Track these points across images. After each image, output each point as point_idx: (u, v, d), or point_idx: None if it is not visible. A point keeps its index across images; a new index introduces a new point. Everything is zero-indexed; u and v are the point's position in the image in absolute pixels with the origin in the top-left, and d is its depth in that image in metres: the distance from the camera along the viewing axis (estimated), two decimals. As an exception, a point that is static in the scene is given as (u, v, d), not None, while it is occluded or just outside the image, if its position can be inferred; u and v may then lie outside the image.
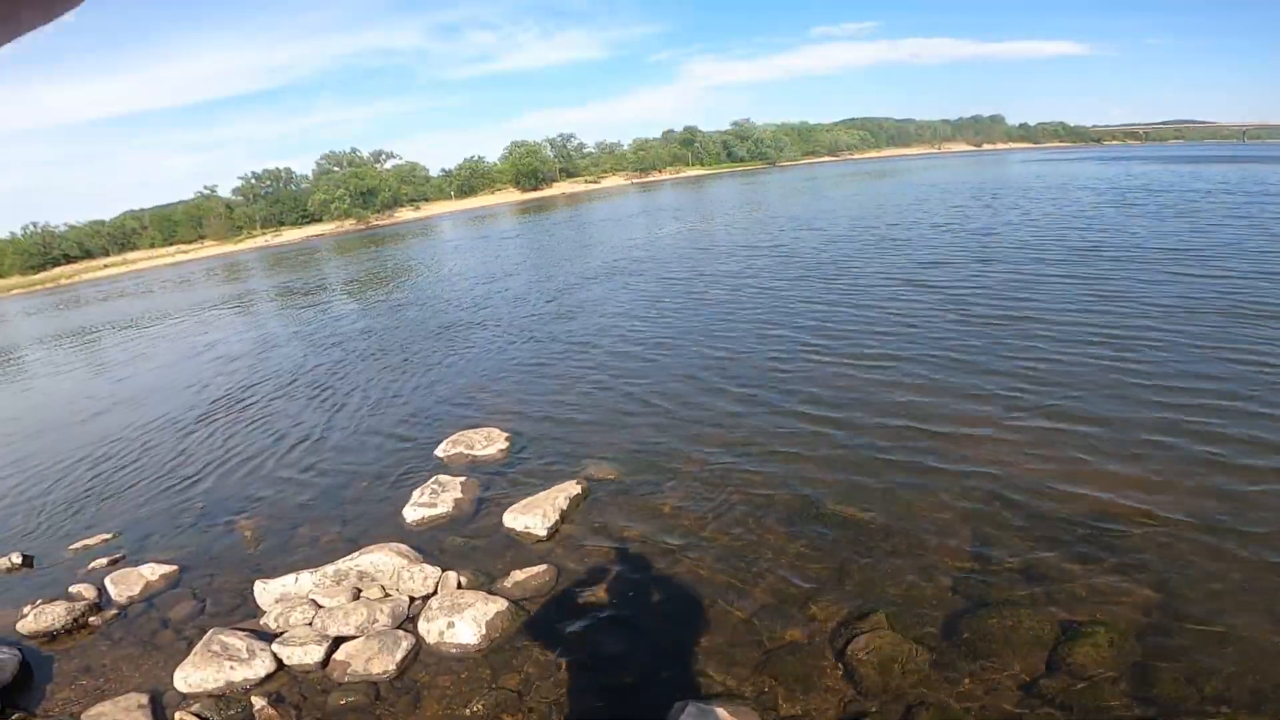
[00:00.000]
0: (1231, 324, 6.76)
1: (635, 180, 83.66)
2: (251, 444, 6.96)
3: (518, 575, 3.83)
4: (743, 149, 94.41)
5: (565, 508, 4.45)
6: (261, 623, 3.71)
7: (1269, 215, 13.93)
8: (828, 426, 5.40)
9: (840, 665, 3.00)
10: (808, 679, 2.95)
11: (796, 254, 14.76)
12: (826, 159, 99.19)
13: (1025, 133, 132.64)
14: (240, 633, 3.52)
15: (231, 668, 3.29)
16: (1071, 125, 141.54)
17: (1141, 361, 5.99)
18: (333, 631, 3.48)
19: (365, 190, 68.09)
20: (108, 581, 4.33)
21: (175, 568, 4.47)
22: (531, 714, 2.95)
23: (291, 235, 65.73)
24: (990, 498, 4.14)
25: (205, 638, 3.47)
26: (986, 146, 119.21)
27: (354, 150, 75.39)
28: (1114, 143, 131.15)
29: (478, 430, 5.99)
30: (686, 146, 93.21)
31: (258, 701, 3.19)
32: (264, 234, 67.20)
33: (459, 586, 3.74)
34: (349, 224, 66.64)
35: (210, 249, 64.04)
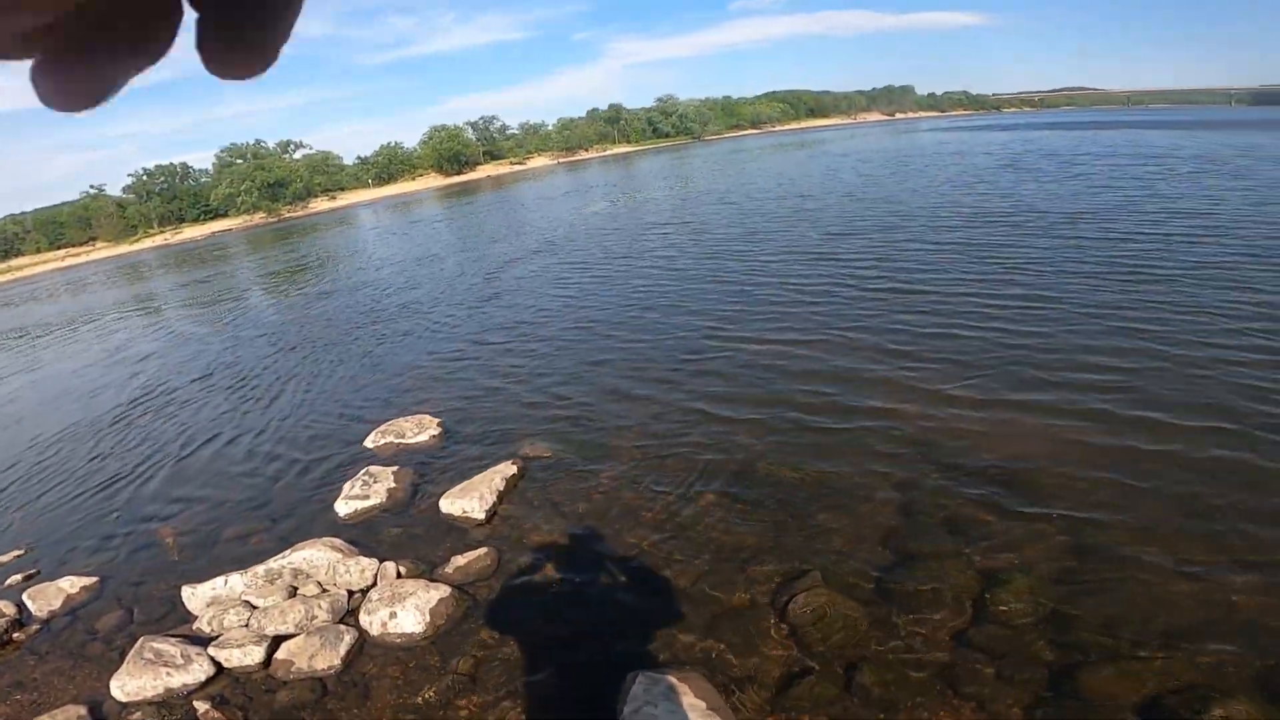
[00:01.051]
0: (1129, 282, 7.28)
1: (562, 160, 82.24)
2: (169, 447, 6.61)
3: (459, 560, 3.82)
4: (667, 124, 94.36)
5: (502, 489, 4.45)
6: (195, 628, 3.58)
7: (1154, 176, 15.11)
8: (755, 396, 5.58)
9: (783, 625, 3.13)
10: (752, 642, 3.06)
11: (719, 228, 14.98)
12: (750, 131, 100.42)
13: (933, 102, 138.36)
14: (173, 639, 3.41)
15: (168, 674, 3.18)
16: (974, 94, 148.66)
17: (1046, 321, 6.41)
18: (271, 631, 3.42)
19: (274, 182, 64.01)
20: (25, 597, 4.12)
21: (96, 579, 4.25)
22: (486, 697, 2.96)
23: (194, 232, 61.21)
24: (911, 454, 4.37)
25: (137, 646, 3.34)
26: (899, 115, 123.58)
27: (259, 142, 70.73)
28: (1012, 110, 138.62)
29: (408, 418, 5.87)
30: (612, 124, 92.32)
31: (201, 705, 3.12)
32: (162, 232, 62.31)
33: (399, 576, 3.73)
34: (258, 218, 62.63)
35: (103, 251, 58.79)
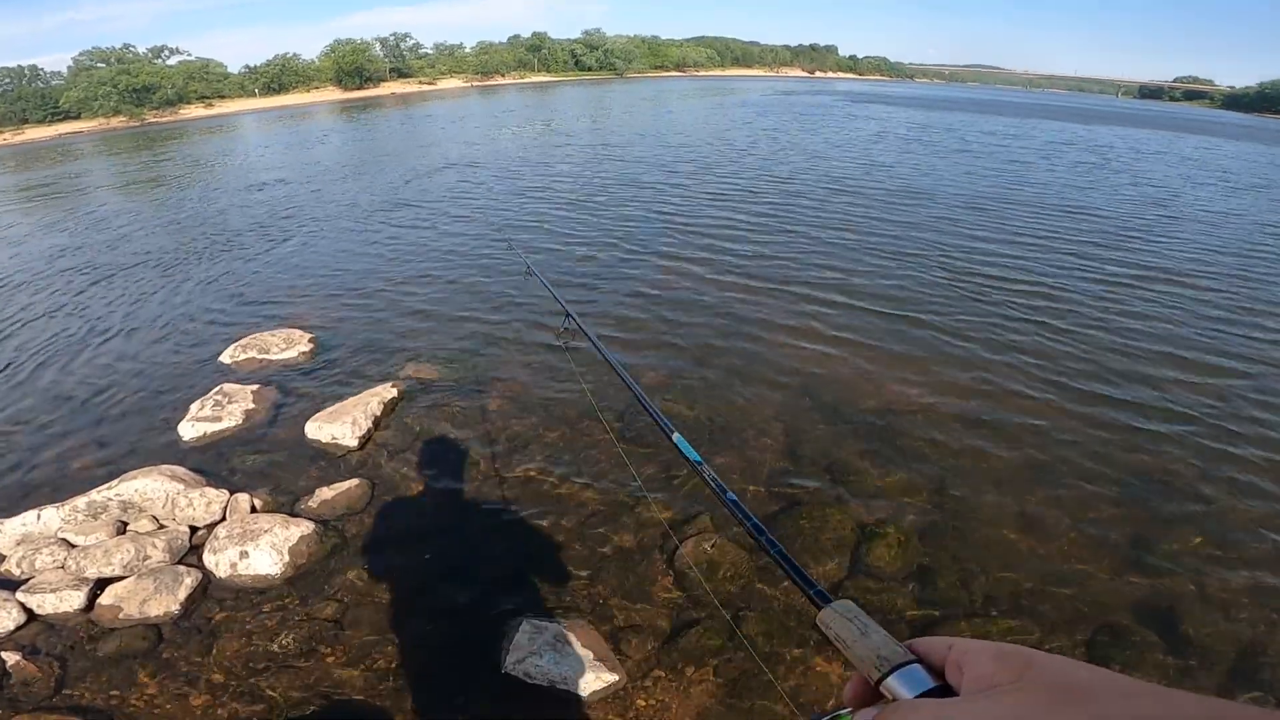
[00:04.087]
0: (1003, 247, 7.77)
1: (476, 84, 77.48)
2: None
3: (325, 493, 3.46)
4: (591, 58, 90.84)
5: (378, 414, 4.07)
6: (1, 569, 3.07)
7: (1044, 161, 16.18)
8: (650, 327, 5.45)
9: (670, 571, 3.07)
10: (641, 588, 2.98)
11: (633, 160, 14.59)
12: (674, 74, 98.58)
13: (853, 65, 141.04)
14: None
15: None
16: (892, 62, 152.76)
17: (928, 274, 6.71)
18: (93, 573, 2.94)
19: (140, 87, 56.21)
20: None
21: None
22: (353, 644, 2.72)
23: (37, 133, 52.82)
24: (799, 398, 4.41)
25: None
26: (818, 74, 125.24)
27: (126, 46, 61.39)
28: (924, 80, 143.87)
29: (275, 332, 5.26)
30: (534, 52, 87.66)
31: (10, 656, 2.66)
32: (1, 132, 53.55)
33: (252, 510, 3.31)
34: (116, 121, 54.92)
35: (-79, 149, 49.66)
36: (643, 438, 3.96)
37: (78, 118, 55.73)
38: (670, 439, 1.10)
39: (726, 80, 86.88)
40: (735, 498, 0.81)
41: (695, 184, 11.49)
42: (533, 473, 3.72)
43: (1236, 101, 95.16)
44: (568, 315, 2.09)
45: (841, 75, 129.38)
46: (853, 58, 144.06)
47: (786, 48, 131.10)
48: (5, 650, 2.68)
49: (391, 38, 78.29)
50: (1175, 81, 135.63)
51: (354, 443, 3.86)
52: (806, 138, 19.10)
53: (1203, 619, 2.89)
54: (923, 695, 0.44)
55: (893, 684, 0.45)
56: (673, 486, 3.61)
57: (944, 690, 0.44)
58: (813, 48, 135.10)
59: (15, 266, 8.73)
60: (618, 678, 2.53)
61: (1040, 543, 3.25)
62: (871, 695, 0.47)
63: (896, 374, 4.70)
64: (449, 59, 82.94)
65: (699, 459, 0.97)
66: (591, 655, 2.57)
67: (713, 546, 3.15)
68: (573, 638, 2.63)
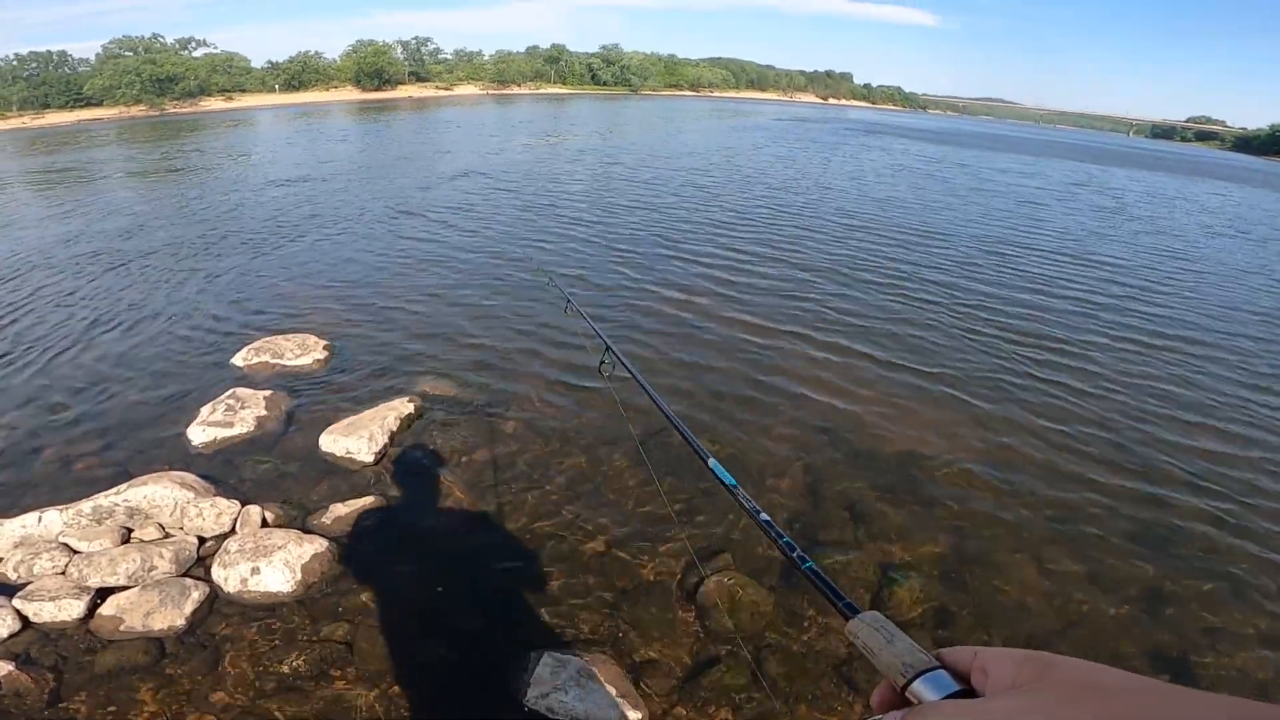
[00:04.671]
0: (1050, 294, 7.72)
1: (492, 92, 78.18)
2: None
3: (339, 509, 3.35)
4: (608, 73, 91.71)
5: (395, 430, 3.97)
6: (-3, 572, 2.95)
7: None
8: (673, 358, 5.34)
9: (692, 606, 2.98)
10: (662, 624, 2.90)
11: (649, 178, 14.64)
12: (688, 93, 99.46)
13: (867, 93, 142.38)
14: None
15: None
16: (906, 91, 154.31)
17: (946, 321, 6.62)
18: (95, 582, 2.83)
19: (163, 77, 56.70)
20: None
21: None
22: (364, 668, 2.61)
23: (58, 118, 53.14)
24: (820, 438, 4.35)
25: None
26: (832, 100, 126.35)
27: (155, 36, 62.13)
28: (936, 112, 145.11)
29: (289, 337, 5.15)
30: (551, 64, 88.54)
31: (2, 666, 2.55)
32: (21, 116, 53.80)
33: (264, 524, 3.20)
34: (136, 109, 55.33)
35: (-56, 131, 49.88)
36: (665, 468, 3.87)
37: (100, 105, 56.11)
38: (706, 464, 1.11)
39: (740, 102, 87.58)
40: (769, 518, 0.84)
41: (706, 211, 11.38)
42: (552, 498, 3.62)
43: (1248, 143, 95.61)
44: (608, 349, 2.03)
45: (855, 103, 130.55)
46: (867, 86, 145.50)
47: (801, 73, 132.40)
48: None
49: (413, 41, 79.15)
50: (1187, 121, 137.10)
51: (370, 458, 3.76)
52: (819, 168, 19.14)
53: (1215, 665, 2.91)
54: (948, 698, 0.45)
55: (918, 688, 0.46)
56: (696, 521, 3.52)
57: (968, 694, 0.45)
58: (828, 74, 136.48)
59: (29, 250, 8.67)
60: (641, 716, 2.44)
61: (1056, 590, 3.25)
62: (898, 701, 0.48)
63: (914, 422, 4.63)
64: (467, 65, 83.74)
65: (734, 482, 0.99)
66: (615, 692, 2.48)
67: (736, 584, 3.08)
68: (596, 673, 2.54)
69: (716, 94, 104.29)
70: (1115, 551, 3.53)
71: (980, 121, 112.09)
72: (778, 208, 12.00)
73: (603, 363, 2.15)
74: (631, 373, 1.82)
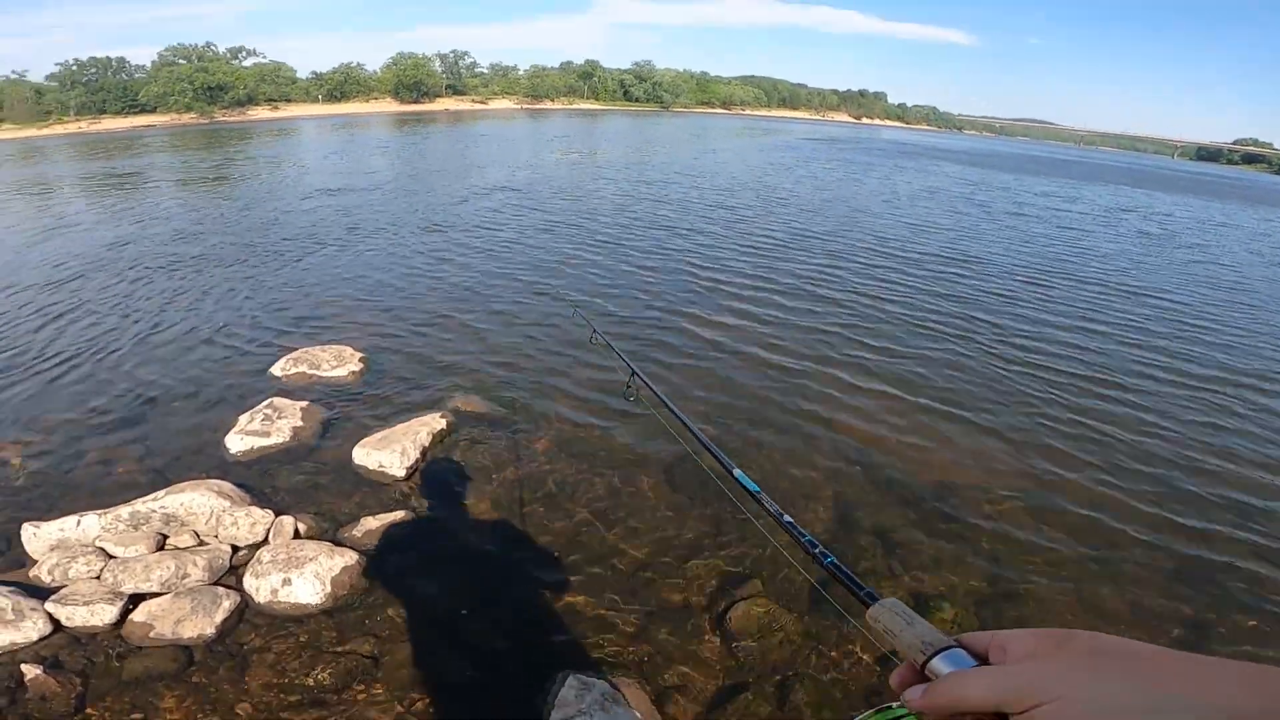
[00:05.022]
0: (1080, 334, 7.50)
1: (526, 106, 79.60)
2: (34, 351, 5.62)
3: (370, 522, 3.36)
4: (640, 90, 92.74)
5: (427, 444, 3.98)
6: (32, 575, 2.97)
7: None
8: (705, 380, 5.28)
9: (719, 632, 2.93)
10: (688, 648, 2.85)
11: (681, 197, 14.68)
12: (719, 110, 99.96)
13: (900, 113, 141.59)
14: (3, 588, 2.80)
15: None
16: (941, 112, 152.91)
17: (983, 351, 6.44)
18: (129, 588, 2.86)
19: (214, 86, 59.00)
20: None
21: (-91, 504, 3.50)
22: (389, 683, 2.60)
23: (114, 124, 55.56)
24: (853, 464, 4.27)
25: None
26: (865, 120, 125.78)
27: (208, 44, 64.90)
28: (972, 132, 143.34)
29: (326, 348, 5.22)
30: (584, 80, 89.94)
31: (30, 670, 2.57)
32: (79, 121, 56.36)
33: (296, 535, 3.22)
34: (187, 117, 57.60)
35: (6, 133, 52.40)
36: (696, 492, 3.82)
37: (153, 111, 58.49)
38: (731, 473, 1.13)
39: (772, 121, 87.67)
40: (791, 520, 0.87)
41: (734, 234, 11.27)
42: (580, 519, 3.58)
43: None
44: (633, 373, 2.04)
45: (888, 123, 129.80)
46: (901, 106, 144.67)
47: (834, 92, 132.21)
48: (26, 662, 2.60)
49: (451, 54, 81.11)
50: (1234, 144, 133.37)
51: (401, 473, 3.77)
52: (851, 190, 18.94)
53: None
54: None
55: (937, 664, 0.48)
56: (726, 546, 3.46)
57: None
58: (861, 93, 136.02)
59: (84, 254, 9.01)
60: (666, 744, 2.37)
61: (1097, 624, 3.13)
62: (919, 679, 0.49)
63: (949, 453, 4.51)
64: (502, 80, 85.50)
65: (757, 488, 1.02)
66: (640, 716, 2.45)
67: (765, 610, 3.02)
68: (621, 697, 2.51)
69: (748, 112, 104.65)
70: (1158, 585, 3.43)
71: (1018, 143, 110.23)
72: (808, 232, 11.84)
73: (628, 386, 2.14)
74: (656, 394, 1.81)
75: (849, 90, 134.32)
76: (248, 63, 67.60)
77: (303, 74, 73.49)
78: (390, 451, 3.82)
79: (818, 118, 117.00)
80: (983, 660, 0.47)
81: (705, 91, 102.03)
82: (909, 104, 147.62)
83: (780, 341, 6.24)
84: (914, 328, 6.84)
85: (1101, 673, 0.40)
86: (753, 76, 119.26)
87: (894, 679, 0.51)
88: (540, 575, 3.22)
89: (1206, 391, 5.87)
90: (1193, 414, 5.38)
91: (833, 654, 2.87)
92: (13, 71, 60.50)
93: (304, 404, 4.38)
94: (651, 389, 1.88)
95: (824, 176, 21.71)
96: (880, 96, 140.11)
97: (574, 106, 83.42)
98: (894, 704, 0.51)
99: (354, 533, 3.31)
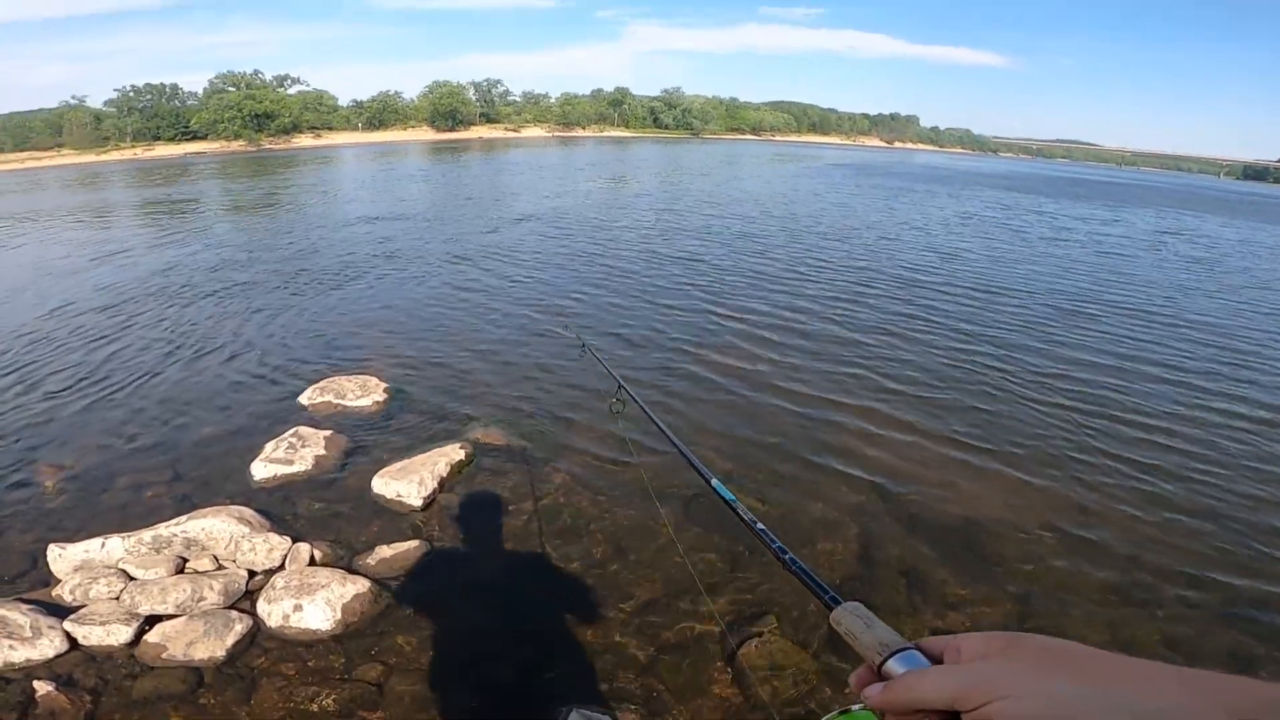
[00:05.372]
0: (1106, 367, 7.22)
1: (557, 134, 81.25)
2: (72, 374, 5.86)
3: (384, 551, 3.38)
4: (669, 116, 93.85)
5: (445, 475, 4.01)
6: (54, 594, 3.06)
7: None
8: (726, 414, 5.21)
9: (730, 670, 2.86)
10: (696, 683, 2.78)
11: (712, 229, 14.67)
12: (749, 136, 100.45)
13: (934, 136, 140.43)
14: (25, 606, 2.88)
15: (11, 646, 2.70)
16: (975, 134, 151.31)
17: (1016, 385, 6.21)
18: (145, 609, 2.91)
19: (261, 113, 61.64)
20: None
21: (-51, 521, 3.64)
22: (393, 710, 2.60)
23: (166, 151, 58.46)
24: (877, 499, 4.16)
25: None
26: (897, 144, 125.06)
27: (256, 72, 68.05)
28: (1009, 155, 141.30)
29: (352, 377, 5.34)
30: (614, 107, 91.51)
31: (42, 687, 2.63)
32: (134, 147, 59.41)
33: (311, 562, 3.25)
34: (236, 145, 60.21)
35: (67, 158, 55.54)
36: (713, 527, 3.77)
37: (204, 138, 61.30)
38: (710, 483, 1.13)
39: (802, 146, 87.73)
40: (764, 527, 0.88)
41: (759, 265, 11.13)
42: (594, 552, 3.56)
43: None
44: (620, 386, 2.04)
45: (921, 146, 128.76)
46: (934, 129, 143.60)
47: (865, 116, 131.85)
48: (39, 679, 2.67)
49: (484, 83, 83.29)
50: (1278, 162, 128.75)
51: (418, 503, 3.80)
52: (880, 217, 18.68)
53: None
54: None
55: (892, 665, 0.50)
56: (740, 581, 3.40)
57: None
58: (892, 117, 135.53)
59: (131, 279, 9.46)
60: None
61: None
62: (877, 680, 0.50)
63: (979, 489, 4.36)
64: (534, 108, 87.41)
65: (733, 498, 1.03)
66: None
67: (778, 648, 2.94)
68: None
69: (778, 138, 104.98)
70: (1199, 623, 3.28)
71: (1057, 164, 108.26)
72: (835, 262, 11.59)
73: (614, 400, 2.10)
74: (641, 406, 1.76)
75: (880, 114, 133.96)
76: (292, 90, 70.32)
77: (343, 101, 76.33)
78: (408, 482, 3.86)
79: (849, 142, 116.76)
80: (938, 662, 0.49)
81: (735, 118, 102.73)
82: (942, 127, 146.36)
83: (803, 375, 6.15)
84: (942, 362, 6.64)
85: (1049, 672, 0.43)
86: (782, 102, 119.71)
87: (853, 678, 0.53)
88: (551, 608, 3.20)
89: (1257, 431, 5.49)
90: (1243, 455, 5.07)
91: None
92: (73, 97, 63.88)
93: (328, 433, 4.47)
94: (637, 402, 1.84)
95: (853, 204, 21.48)
96: (912, 120, 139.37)
97: (604, 134, 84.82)
98: (855, 706, 0.53)
99: (368, 561, 3.34)
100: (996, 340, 7.40)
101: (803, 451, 4.72)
